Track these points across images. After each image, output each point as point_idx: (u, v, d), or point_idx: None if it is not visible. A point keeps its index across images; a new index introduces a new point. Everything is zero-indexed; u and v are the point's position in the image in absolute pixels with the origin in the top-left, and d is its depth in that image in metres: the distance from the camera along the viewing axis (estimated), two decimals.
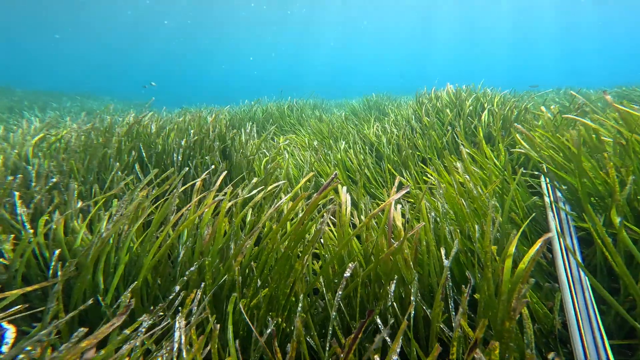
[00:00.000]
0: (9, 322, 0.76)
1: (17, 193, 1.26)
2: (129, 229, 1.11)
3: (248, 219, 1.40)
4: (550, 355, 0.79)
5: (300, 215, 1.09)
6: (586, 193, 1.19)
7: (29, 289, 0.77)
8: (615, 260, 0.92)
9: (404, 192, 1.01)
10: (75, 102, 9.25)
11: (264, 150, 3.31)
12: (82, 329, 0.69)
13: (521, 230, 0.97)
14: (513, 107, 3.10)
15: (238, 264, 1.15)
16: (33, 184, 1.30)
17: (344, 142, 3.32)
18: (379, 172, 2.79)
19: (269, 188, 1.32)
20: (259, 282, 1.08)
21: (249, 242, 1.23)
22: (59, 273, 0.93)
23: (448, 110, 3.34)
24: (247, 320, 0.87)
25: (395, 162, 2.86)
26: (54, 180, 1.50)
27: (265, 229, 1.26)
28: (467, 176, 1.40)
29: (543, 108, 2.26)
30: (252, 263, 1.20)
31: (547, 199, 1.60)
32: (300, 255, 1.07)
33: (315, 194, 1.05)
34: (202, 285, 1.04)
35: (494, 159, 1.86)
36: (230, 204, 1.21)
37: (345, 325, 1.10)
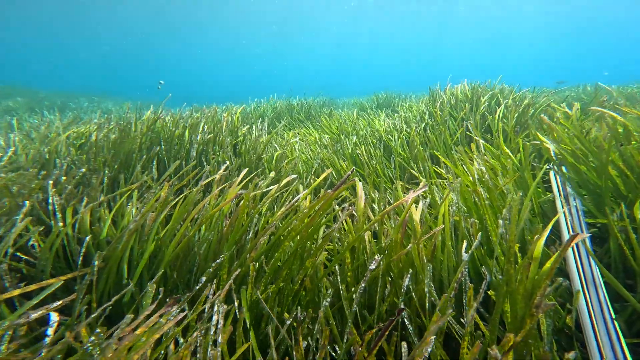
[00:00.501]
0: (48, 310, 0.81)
1: (50, 182, 1.32)
2: (155, 219, 1.16)
3: (263, 210, 1.43)
4: (571, 355, 0.79)
5: (314, 210, 1.11)
6: (608, 187, 1.17)
7: (63, 278, 0.81)
8: (637, 253, 0.90)
9: (421, 190, 1.01)
10: (92, 102, 9.51)
11: (275, 145, 3.34)
12: (129, 315, 0.73)
13: (549, 227, 0.96)
14: (529, 104, 3.04)
15: (251, 259, 1.18)
16: (63, 178, 1.36)
17: (355, 137, 3.32)
18: (388, 166, 2.79)
19: (283, 182, 1.35)
20: (269, 278, 1.11)
21: (263, 238, 1.27)
22: (95, 263, 0.97)
23: (466, 105, 3.30)
24: (268, 309, 0.90)
25: (405, 157, 2.85)
26: (83, 170, 1.57)
27: (281, 225, 1.29)
28: (483, 168, 1.39)
29: (564, 105, 2.21)
30: (262, 257, 1.23)
31: (557, 194, 1.58)
32: (312, 252, 1.09)
33: (329, 191, 1.06)
34: (215, 279, 1.08)
35: (510, 154, 1.84)
36: (250, 195, 1.24)
37: (353, 315, 1.12)
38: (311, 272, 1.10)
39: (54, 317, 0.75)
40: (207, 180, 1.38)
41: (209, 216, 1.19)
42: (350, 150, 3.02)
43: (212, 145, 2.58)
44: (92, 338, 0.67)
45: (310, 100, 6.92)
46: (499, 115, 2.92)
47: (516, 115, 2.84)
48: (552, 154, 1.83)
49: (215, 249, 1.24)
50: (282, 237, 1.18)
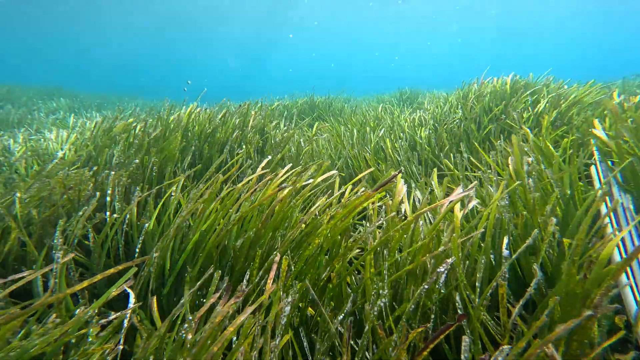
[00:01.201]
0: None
1: (112, 173, 1.42)
2: (203, 210, 1.21)
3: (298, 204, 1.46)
4: (628, 356, 0.75)
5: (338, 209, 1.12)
6: None
7: (120, 267, 0.87)
8: None
9: (465, 193, 0.99)
10: (122, 102, 10.06)
11: (300, 141, 3.37)
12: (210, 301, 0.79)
13: (630, 229, 0.91)
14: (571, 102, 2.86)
15: (282, 252, 1.21)
16: (112, 173, 1.46)
17: (382, 130, 3.28)
18: (413, 162, 2.73)
19: (317, 180, 1.36)
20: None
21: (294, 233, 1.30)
22: (155, 255, 1.03)
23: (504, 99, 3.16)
24: (317, 299, 0.92)
25: (433, 152, 2.78)
26: (136, 161, 1.68)
27: (311, 222, 1.31)
28: (531, 158, 1.32)
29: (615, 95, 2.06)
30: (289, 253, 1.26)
31: (598, 189, 1.48)
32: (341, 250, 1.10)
33: (369, 191, 1.06)
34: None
35: (551, 148, 1.74)
36: (286, 191, 1.27)
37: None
38: (339, 270, 1.11)
39: (132, 299, 0.81)
40: (255, 175, 1.40)
41: (246, 212, 1.23)
42: (374, 144, 2.99)
43: (239, 141, 2.66)
44: (185, 325, 0.72)
45: (333, 98, 6.91)
46: (539, 110, 2.78)
47: (556, 111, 2.68)
48: (595, 149, 1.71)
49: (252, 243, 1.28)
50: (312, 234, 1.20)
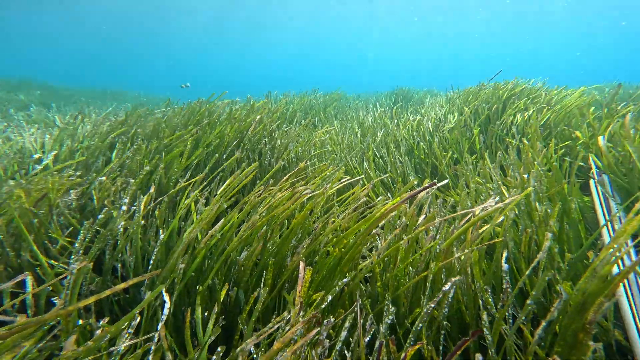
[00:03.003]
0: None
1: (132, 181, 1.36)
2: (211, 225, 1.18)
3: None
4: None
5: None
6: None
7: (151, 274, 0.84)
8: None
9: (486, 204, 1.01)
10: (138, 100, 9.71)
11: (298, 149, 3.35)
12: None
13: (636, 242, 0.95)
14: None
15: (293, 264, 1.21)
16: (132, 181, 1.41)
17: (381, 132, 3.30)
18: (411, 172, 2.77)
19: (331, 190, 1.36)
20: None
21: (307, 241, 1.29)
22: (182, 266, 1.00)
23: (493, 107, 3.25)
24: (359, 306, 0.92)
25: (428, 160, 2.83)
26: (147, 168, 1.62)
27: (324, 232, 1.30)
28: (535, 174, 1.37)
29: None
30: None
31: (597, 201, 1.55)
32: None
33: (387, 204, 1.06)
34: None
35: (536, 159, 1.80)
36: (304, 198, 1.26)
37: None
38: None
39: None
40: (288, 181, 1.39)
41: (261, 224, 1.21)
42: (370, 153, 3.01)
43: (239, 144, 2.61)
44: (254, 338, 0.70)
45: (328, 97, 6.89)
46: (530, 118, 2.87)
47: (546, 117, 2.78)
48: (593, 163, 1.79)
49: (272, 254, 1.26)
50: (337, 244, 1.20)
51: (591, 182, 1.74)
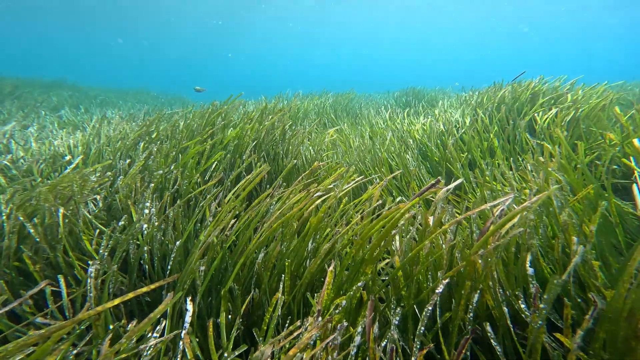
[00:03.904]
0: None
1: (152, 185, 1.40)
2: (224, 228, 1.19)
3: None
4: None
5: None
6: None
7: (166, 280, 0.86)
8: None
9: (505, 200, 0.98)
10: (125, 97, 10.01)
11: (310, 148, 3.36)
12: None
13: None
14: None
15: (314, 265, 1.20)
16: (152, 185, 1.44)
17: (391, 134, 3.26)
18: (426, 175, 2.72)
19: (342, 192, 1.36)
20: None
21: (327, 245, 1.29)
22: (202, 268, 1.01)
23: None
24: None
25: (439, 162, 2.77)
26: (160, 172, 1.65)
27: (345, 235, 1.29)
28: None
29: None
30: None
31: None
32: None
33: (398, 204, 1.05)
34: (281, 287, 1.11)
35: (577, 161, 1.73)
36: (315, 203, 1.26)
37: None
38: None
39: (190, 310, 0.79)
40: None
41: (272, 230, 1.21)
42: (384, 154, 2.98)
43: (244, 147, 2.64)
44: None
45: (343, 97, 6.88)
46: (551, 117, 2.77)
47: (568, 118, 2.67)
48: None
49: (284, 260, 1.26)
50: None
51: (634, 186, 1.64)
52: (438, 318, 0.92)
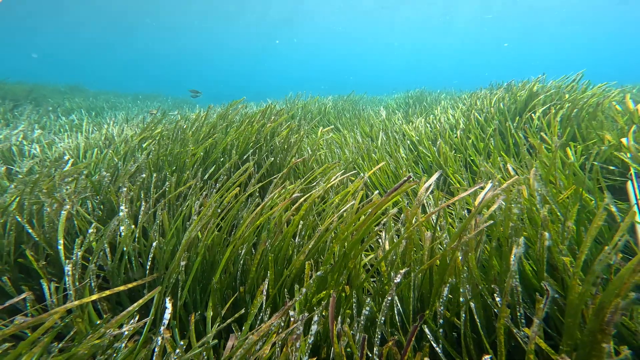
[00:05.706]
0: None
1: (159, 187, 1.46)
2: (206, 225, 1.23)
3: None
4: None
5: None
6: None
7: (147, 279, 0.90)
8: None
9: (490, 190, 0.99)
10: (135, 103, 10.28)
11: (308, 148, 3.39)
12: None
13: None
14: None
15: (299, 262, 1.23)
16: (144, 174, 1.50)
17: (390, 134, 3.27)
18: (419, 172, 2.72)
19: (322, 190, 1.38)
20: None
21: (311, 242, 1.31)
22: (183, 263, 1.06)
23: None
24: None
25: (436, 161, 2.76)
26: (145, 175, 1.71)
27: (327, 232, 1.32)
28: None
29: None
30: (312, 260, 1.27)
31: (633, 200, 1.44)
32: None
33: (379, 198, 1.07)
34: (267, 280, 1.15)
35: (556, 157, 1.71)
36: (299, 202, 1.29)
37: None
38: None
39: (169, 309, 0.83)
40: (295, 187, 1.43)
41: (254, 228, 1.25)
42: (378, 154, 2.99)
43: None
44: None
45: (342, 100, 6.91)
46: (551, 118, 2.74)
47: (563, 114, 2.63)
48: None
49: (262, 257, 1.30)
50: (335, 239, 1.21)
51: (628, 184, 1.62)
52: (395, 308, 0.94)
